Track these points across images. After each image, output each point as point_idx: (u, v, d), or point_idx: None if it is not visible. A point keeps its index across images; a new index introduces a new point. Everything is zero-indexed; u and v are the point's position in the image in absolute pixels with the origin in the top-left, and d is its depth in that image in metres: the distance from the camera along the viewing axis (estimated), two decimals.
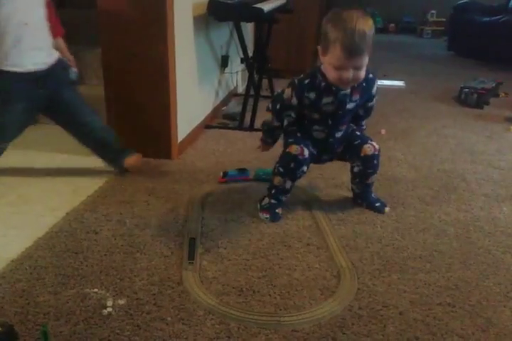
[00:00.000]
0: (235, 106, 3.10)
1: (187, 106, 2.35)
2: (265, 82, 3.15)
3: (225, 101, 3.15)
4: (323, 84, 1.56)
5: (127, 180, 1.97)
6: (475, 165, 2.26)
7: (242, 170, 2.03)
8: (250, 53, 3.05)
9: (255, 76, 2.91)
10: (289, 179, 1.68)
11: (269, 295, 1.30)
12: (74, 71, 1.90)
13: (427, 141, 2.59)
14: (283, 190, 1.71)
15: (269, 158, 2.23)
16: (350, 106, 1.62)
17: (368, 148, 1.71)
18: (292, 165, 1.64)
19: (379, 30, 7.28)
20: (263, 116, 2.90)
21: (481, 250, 1.57)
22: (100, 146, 1.97)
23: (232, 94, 3.37)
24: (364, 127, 1.85)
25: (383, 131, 2.68)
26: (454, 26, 5.60)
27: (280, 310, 1.25)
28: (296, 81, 1.60)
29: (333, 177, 2.06)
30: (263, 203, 1.74)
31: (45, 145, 2.33)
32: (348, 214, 1.76)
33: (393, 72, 4.29)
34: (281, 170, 1.67)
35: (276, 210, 1.72)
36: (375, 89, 1.68)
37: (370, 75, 1.62)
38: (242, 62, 3.18)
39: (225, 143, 2.49)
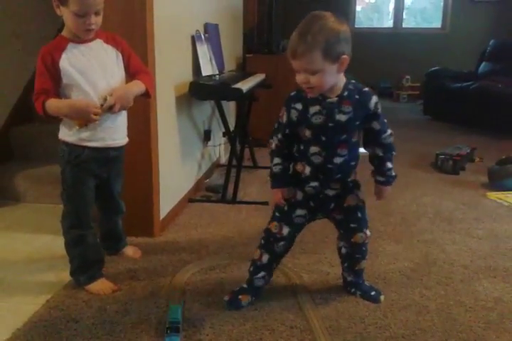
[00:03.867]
0: (217, 178, 3.16)
1: (170, 182, 2.40)
2: (247, 151, 3.24)
3: (208, 173, 3.22)
4: (309, 94, 1.51)
5: (109, 260, 1.97)
6: (454, 235, 2.31)
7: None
8: (232, 127, 3.16)
9: (237, 147, 3.00)
10: (266, 252, 1.66)
11: None
12: None
13: (407, 210, 2.64)
14: (260, 265, 1.68)
15: (254, 233, 2.27)
16: (342, 118, 1.49)
17: (360, 237, 1.67)
18: (271, 239, 1.65)
19: None
20: (246, 187, 2.97)
21: (463, 327, 1.57)
22: (109, 234, 1.99)
23: (215, 165, 3.45)
24: (390, 173, 1.65)
25: None
26: (427, 92, 5.88)
27: None
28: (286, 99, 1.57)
29: (316, 252, 2.08)
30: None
31: (27, 226, 2.34)
32: (330, 291, 1.77)
33: None
34: (261, 241, 1.68)
35: (240, 296, 1.66)
36: (373, 104, 1.52)
37: (366, 89, 1.53)
38: (224, 135, 3.29)
39: (208, 218, 2.51)
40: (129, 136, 1.80)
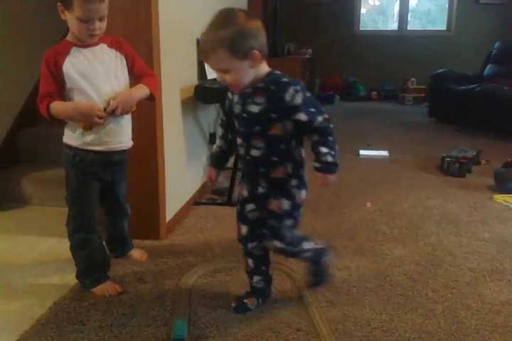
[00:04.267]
0: (223, 181, 3.16)
1: (176, 184, 2.41)
2: None
3: None
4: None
5: (115, 263, 1.98)
6: (460, 238, 2.30)
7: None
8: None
9: None
10: (248, 256, 1.66)
11: None
12: None
13: (413, 212, 2.64)
14: (250, 271, 1.68)
15: None
16: (253, 109, 1.43)
17: (271, 246, 1.58)
18: (241, 243, 1.65)
19: (362, 98, 7.60)
20: None
21: (469, 330, 1.56)
22: (115, 237, 2.00)
23: None
24: (326, 159, 1.43)
25: (369, 204, 2.74)
26: (433, 94, 5.87)
27: None
28: None
29: None
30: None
31: (33, 229, 2.35)
32: (336, 294, 1.77)
33: (377, 142, 4.44)
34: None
35: (245, 300, 1.66)
36: (289, 96, 1.39)
37: (285, 79, 1.43)
38: None
39: (213, 220, 2.52)
40: (134, 138, 1.81)
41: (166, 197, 2.25)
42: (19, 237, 2.26)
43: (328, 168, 1.44)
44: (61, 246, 2.08)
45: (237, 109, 1.48)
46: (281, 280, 1.85)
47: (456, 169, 3.32)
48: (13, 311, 1.65)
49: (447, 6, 7.67)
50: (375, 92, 7.77)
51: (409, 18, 7.88)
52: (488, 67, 5.83)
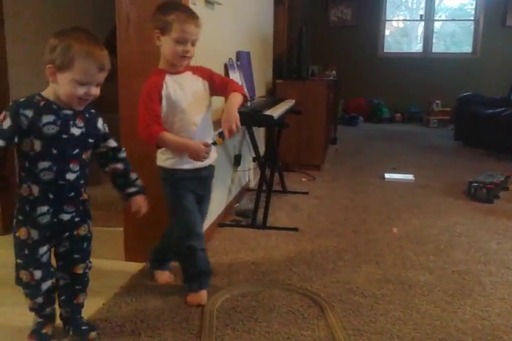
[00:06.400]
0: (247, 203, 3.18)
1: None
2: (276, 175, 3.26)
3: (237, 198, 3.23)
4: (42, 102, 1.40)
5: (141, 284, 1.99)
6: (489, 266, 2.25)
7: None
8: (261, 152, 3.19)
9: (267, 172, 3.02)
10: (44, 306, 1.57)
11: None
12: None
13: (440, 239, 2.60)
14: (43, 315, 1.59)
15: (284, 260, 2.26)
16: (76, 131, 1.43)
17: (82, 268, 1.57)
18: (30, 291, 1.52)
19: (386, 120, 7.59)
20: (275, 212, 2.98)
21: None
22: (165, 248, 2.05)
23: (245, 189, 3.47)
24: (140, 183, 1.63)
25: (395, 230, 2.71)
26: (459, 117, 5.84)
27: None
28: (11, 103, 1.40)
29: (348, 282, 2.06)
30: None
31: None
32: (364, 323, 1.74)
33: (402, 165, 4.42)
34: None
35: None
36: (101, 124, 1.54)
37: (93, 110, 1.51)
38: (254, 160, 3.31)
39: (238, 243, 2.52)
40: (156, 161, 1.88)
41: None
42: None
43: (143, 190, 1.63)
44: None
45: (52, 128, 1.39)
46: (307, 307, 1.84)
47: (483, 195, 3.28)
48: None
49: (472, 28, 7.67)
50: (399, 114, 7.75)
51: (433, 40, 7.89)
52: None
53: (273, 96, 4.04)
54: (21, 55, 2.96)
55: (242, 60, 3.06)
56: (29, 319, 1.59)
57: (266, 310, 1.81)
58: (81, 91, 1.38)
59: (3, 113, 1.35)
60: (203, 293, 1.89)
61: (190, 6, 2.07)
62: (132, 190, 1.60)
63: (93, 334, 1.59)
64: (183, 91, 1.76)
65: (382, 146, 5.55)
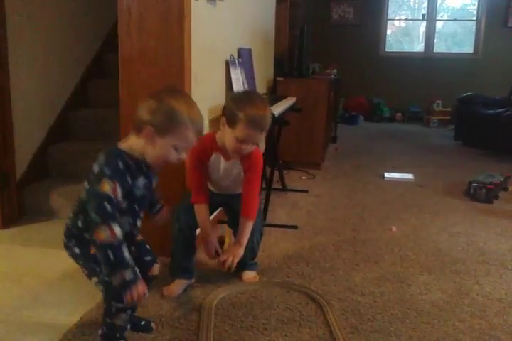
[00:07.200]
0: None
1: None
2: (276, 173, 3.25)
3: None
4: (131, 163, 1.34)
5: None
6: (487, 266, 2.25)
7: None
8: (262, 150, 3.19)
9: (267, 169, 3.02)
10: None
11: None
12: None
13: (438, 239, 2.60)
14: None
15: (283, 257, 2.26)
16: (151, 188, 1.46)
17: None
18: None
19: (386, 120, 7.59)
20: (275, 210, 2.98)
21: None
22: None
23: None
24: None
25: (394, 228, 2.71)
26: (459, 117, 5.83)
27: None
28: (107, 168, 1.28)
29: (346, 280, 2.06)
30: None
31: (60, 242, 2.35)
32: (361, 321, 1.75)
33: (402, 164, 4.42)
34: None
35: None
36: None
37: None
38: None
39: None
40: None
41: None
42: (47, 250, 2.29)
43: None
44: None
45: (141, 188, 1.38)
46: (305, 305, 1.84)
47: (483, 195, 3.28)
48: (41, 324, 1.67)
49: (474, 28, 7.67)
50: (399, 114, 7.75)
51: (435, 40, 7.89)
52: None
53: (274, 94, 4.04)
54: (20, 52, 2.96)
55: (244, 56, 3.06)
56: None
57: (264, 307, 1.81)
58: (175, 155, 1.36)
59: (112, 181, 1.27)
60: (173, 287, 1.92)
61: (192, 2, 2.08)
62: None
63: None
64: (219, 174, 1.87)
65: (382, 145, 5.55)
